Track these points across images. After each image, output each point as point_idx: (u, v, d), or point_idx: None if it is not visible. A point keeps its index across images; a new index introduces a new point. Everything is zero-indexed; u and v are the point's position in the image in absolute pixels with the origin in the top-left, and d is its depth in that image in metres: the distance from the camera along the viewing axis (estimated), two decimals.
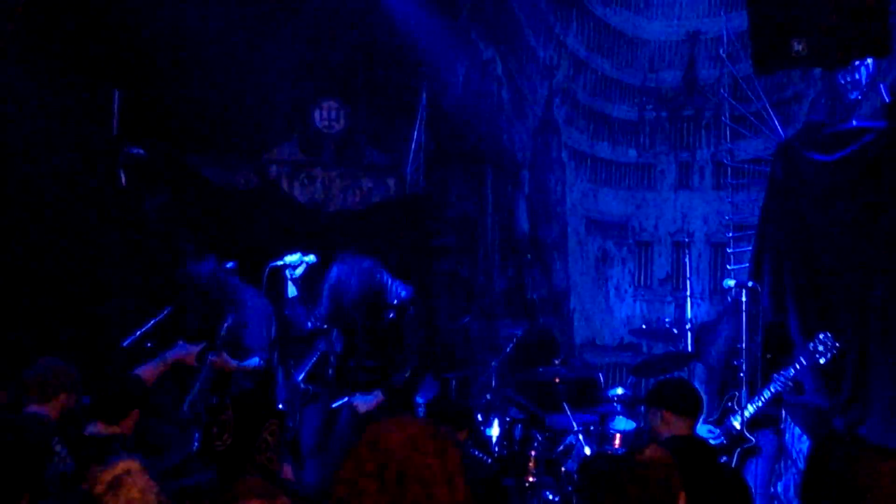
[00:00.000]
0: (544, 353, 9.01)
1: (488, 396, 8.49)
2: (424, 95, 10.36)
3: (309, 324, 7.67)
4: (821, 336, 6.98)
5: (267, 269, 7.40)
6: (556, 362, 8.67)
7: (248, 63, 9.65)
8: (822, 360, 6.99)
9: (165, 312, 7.39)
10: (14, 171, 8.42)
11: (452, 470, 2.95)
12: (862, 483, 3.19)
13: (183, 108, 9.29)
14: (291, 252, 7.49)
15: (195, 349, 6.81)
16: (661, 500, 3.76)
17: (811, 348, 6.97)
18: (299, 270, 7.45)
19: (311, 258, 7.53)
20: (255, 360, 7.48)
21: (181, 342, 6.79)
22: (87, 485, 4.05)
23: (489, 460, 7.51)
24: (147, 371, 6.31)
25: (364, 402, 7.44)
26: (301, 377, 7.66)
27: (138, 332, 7.18)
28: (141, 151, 9.04)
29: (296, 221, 9.99)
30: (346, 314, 7.63)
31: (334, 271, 7.62)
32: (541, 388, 8.67)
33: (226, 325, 7.38)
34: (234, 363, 7.42)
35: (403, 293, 7.64)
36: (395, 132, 10.45)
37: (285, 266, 7.43)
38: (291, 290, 7.54)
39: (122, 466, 3.85)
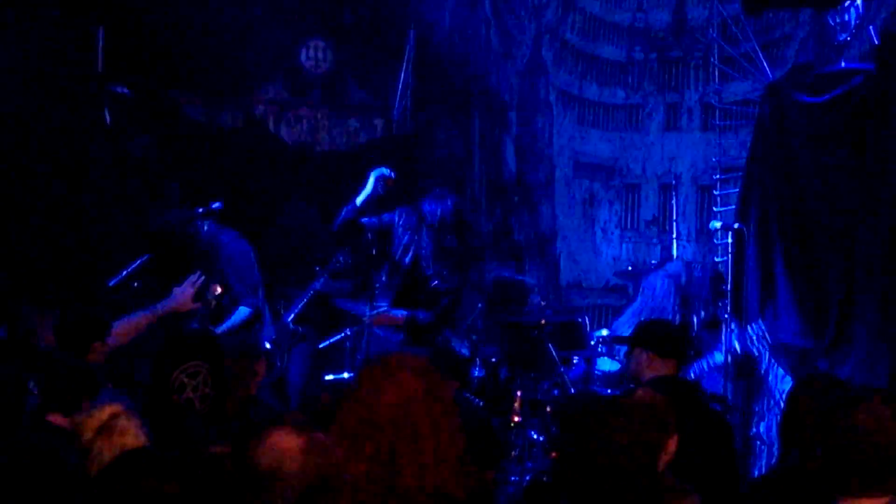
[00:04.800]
0: (515, 299, 9.11)
1: (475, 338, 8.51)
2: (412, 34, 10.29)
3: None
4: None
5: None
6: (543, 303, 8.70)
7: (235, 1, 9.56)
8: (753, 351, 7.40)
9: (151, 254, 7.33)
10: None
11: (444, 426, 2.96)
12: (843, 424, 3.21)
13: (168, 47, 9.21)
14: None
15: (189, 290, 6.49)
16: (652, 441, 3.77)
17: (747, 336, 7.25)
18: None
19: None
20: (243, 313, 7.41)
21: (175, 290, 6.51)
22: (73, 431, 4.03)
23: (481, 402, 7.56)
24: (132, 322, 6.14)
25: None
26: (291, 317, 7.67)
27: (124, 272, 7.14)
28: (126, 90, 8.98)
29: (283, 162, 9.96)
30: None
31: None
32: (526, 330, 8.70)
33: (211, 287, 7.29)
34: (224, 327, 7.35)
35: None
36: (383, 72, 10.38)
37: None
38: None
39: (108, 411, 3.83)
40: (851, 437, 3.14)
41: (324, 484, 2.70)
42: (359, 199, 7.97)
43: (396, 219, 8.31)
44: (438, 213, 8.19)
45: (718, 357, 7.76)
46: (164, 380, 4.66)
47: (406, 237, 8.25)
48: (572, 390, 7.82)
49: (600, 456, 3.30)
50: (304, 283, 7.85)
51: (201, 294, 6.67)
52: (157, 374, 4.73)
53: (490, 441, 5.61)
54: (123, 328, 6.02)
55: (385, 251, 8.25)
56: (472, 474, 3.06)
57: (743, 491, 5.02)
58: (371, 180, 7.97)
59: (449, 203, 8.28)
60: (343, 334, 8.16)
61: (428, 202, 8.31)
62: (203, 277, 6.66)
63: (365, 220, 8.10)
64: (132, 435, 3.78)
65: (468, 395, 7.45)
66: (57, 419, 4.37)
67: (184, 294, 6.49)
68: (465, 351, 8.03)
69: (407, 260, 8.20)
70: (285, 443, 2.70)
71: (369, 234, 8.09)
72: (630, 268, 9.40)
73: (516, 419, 7.56)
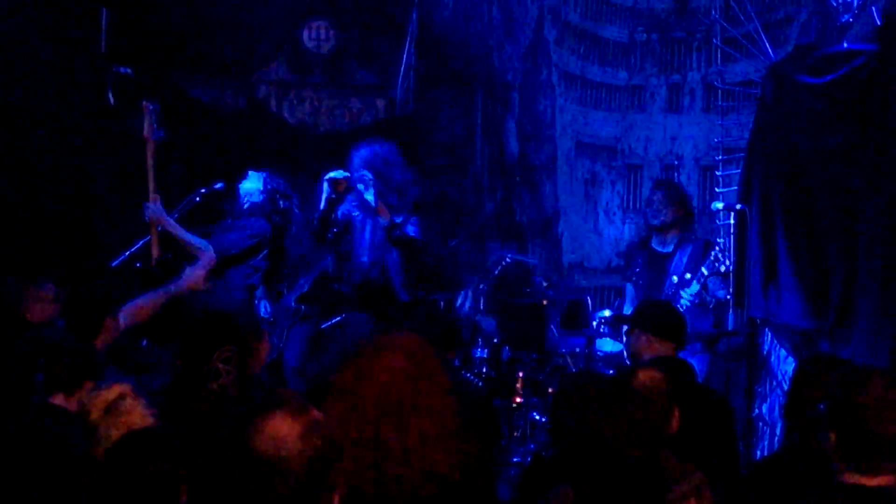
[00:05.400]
0: (519, 282, 9.09)
1: (477, 318, 8.53)
2: (415, 14, 10.27)
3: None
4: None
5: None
6: (545, 285, 8.71)
7: None
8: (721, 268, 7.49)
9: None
10: None
11: (433, 405, 2.96)
12: (848, 404, 3.22)
13: (171, 27, 9.21)
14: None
15: (200, 272, 6.44)
16: (658, 421, 3.79)
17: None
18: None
19: None
20: (203, 242, 7.13)
21: (187, 269, 6.43)
22: (80, 410, 4.04)
23: (480, 383, 7.57)
24: (149, 302, 6.04)
25: None
26: (294, 297, 7.66)
27: (127, 253, 7.13)
28: (129, 70, 8.97)
29: (285, 143, 9.95)
30: None
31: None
32: (528, 311, 8.71)
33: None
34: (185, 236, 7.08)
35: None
36: (385, 52, 10.36)
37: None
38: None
39: (116, 391, 3.84)
40: (856, 417, 3.16)
41: (325, 465, 2.70)
42: (321, 206, 7.79)
43: (350, 200, 8.08)
44: (364, 161, 8.00)
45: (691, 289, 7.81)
46: (199, 368, 4.63)
47: (360, 215, 8.01)
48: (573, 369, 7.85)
49: (603, 443, 3.31)
50: (307, 263, 7.84)
51: (212, 276, 6.63)
52: (192, 362, 4.67)
53: (488, 420, 5.64)
54: (140, 307, 5.94)
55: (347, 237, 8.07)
56: (468, 454, 3.05)
57: (745, 473, 5.03)
58: (324, 184, 7.76)
59: (375, 147, 8.03)
60: (342, 316, 8.15)
61: (355, 155, 8.07)
62: (215, 257, 6.61)
63: (335, 214, 7.95)
64: (139, 415, 3.79)
65: (468, 375, 7.47)
66: (59, 400, 4.38)
67: (195, 274, 6.41)
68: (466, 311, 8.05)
69: (366, 236, 7.98)
70: (284, 429, 2.68)
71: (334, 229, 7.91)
72: None
73: (518, 400, 7.58)
